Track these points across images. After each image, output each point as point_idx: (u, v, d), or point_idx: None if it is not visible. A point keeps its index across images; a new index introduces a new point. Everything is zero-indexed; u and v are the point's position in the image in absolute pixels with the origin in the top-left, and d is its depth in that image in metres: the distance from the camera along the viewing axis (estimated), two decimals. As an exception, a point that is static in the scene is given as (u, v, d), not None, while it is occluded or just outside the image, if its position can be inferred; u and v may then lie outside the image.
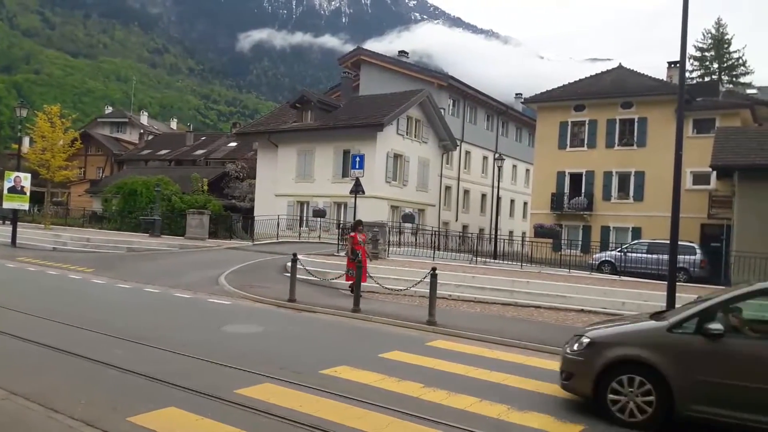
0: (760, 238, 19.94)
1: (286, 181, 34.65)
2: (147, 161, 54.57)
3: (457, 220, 39.91)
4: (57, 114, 33.34)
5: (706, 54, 54.49)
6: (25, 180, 25.87)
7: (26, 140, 40.45)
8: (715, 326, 5.94)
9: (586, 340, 6.68)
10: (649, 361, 6.12)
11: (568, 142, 32.64)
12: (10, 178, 25.53)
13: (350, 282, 14.27)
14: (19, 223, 26.48)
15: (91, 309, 11.61)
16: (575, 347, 6.76)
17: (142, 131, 62.18)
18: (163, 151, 55.10)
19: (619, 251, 23.80)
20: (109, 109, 75.24)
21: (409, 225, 29.20)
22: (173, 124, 78.40)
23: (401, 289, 14.28)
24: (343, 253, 21.23)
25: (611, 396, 6.26)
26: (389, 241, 21.54)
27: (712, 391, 5.86)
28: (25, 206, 27.31)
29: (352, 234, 15.10)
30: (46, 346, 7.93)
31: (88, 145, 54.16)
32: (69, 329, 9.27)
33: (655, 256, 20.88)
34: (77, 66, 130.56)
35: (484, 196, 43.40)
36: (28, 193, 26.06)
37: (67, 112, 36.26)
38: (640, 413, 6.07)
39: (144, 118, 69.33)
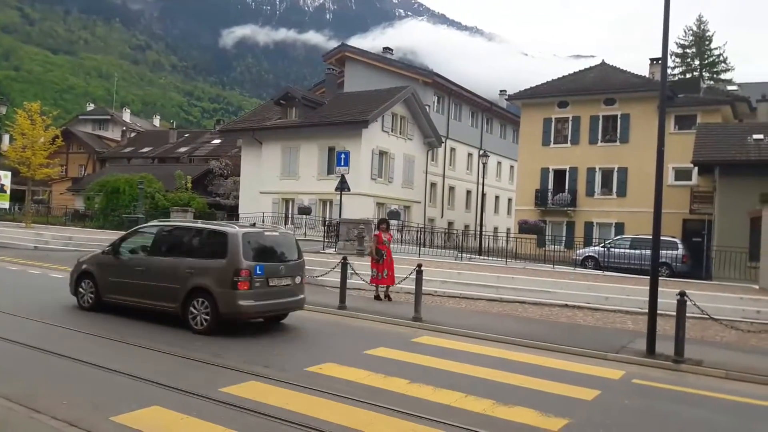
0: (741, 232, 20.24)
1: (270, 179, 34.45)
2: (130, 159, 54.01)
3: (442, 216, 40.03)
4: (37, 111, 32.71)
5: (688, 51, 55.11)
6: (5, 178, 25.53)
7: (6, 138, 39.82)
8: (110, 248, 10.75)
9: (78, 261, 11.24)
10: (90, 270, 10.79)
11: (552, 139, 32.85)
12: (-10, 177, 25.13)
13: (375, 284, 14.03)
14: (-1, 221, 26.11)
15: (75, 308, 11.47)
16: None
17: (124, 129, 61.40)
18: (146, 149, 54.54)
19: (602, 247, 24.03)
20: (90, 106, 74.15)
21: (394, 222, 29.20)
22: (156, 122, 77.57)
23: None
24: (330, 251, 21.20)
25: (80, 291, 10.84)
26: (375, 238, 21.50)
27: (115, 286, 10.41)
28: (5, 205, 26.93)
29: (377, 233, 14.54)
30: (28, 346, 7.83)
31: (69, 143, 53.31)
32: (51, 328, 9.16)
33: (637, 251, 21.06)
34: (58, 62, 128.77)
35: (469, 192, 43.57)
36: (8, 192, 25.71)
37: (47, 109, 35.59)
38: (90, 300, 10.70)
39: (126, 116, 68.48)
